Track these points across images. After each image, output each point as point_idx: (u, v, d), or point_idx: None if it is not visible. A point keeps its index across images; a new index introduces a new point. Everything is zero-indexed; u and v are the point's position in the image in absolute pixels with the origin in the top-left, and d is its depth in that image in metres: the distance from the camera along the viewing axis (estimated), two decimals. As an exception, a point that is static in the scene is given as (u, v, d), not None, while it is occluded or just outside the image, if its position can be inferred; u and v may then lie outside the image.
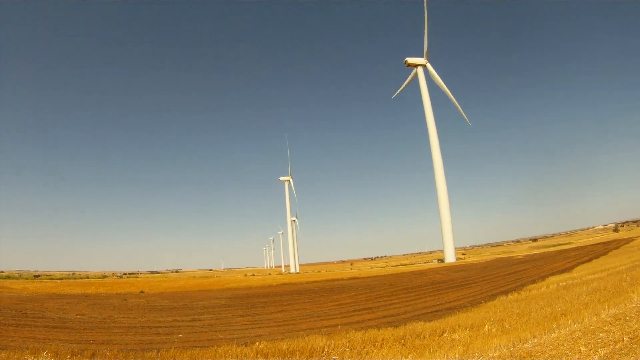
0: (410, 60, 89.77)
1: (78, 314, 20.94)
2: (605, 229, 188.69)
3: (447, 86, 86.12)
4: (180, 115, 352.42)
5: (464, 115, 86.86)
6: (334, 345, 10.80)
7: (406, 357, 9.12)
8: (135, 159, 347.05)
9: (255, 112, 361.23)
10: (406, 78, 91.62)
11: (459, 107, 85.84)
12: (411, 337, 11.55)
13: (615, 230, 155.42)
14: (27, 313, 20.83)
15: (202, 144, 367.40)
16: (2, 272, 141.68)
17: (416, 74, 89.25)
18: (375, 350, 10.24)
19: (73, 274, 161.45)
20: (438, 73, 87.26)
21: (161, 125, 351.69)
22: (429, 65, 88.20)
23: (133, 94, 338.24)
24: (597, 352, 7.82)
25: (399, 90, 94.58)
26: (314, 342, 11.12)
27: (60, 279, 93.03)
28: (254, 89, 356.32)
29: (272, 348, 10.82)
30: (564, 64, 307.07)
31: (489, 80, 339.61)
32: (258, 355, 10.21)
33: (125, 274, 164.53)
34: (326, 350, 10.34)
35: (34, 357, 8.27)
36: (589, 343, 8.57)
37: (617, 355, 7.56)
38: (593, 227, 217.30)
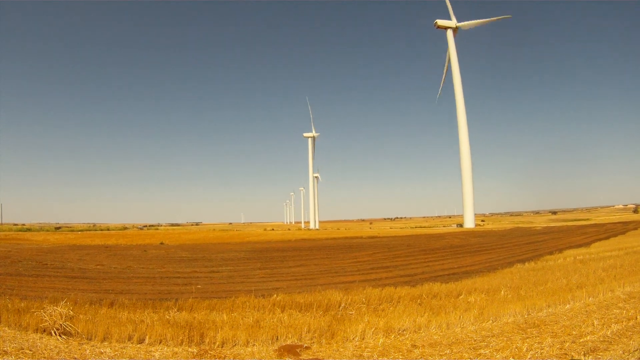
0: (441, 22, 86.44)
1: (98, 265, 21.40)
2: (625, 209, 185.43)
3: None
4: (204, 69, 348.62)
5: (440, 90, 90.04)
6: (351, 300, 10.88)
7: (422, 316, 9.14)
8: (157, 111, 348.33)
9: (280, 68, 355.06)
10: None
11: (443, 79, 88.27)
12: (427, 297, 11.57)
13: (635, 211, 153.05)
14: (47, 264, 21.41)
15: (226, 97, 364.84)
16: (24, 224, 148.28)
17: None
18: (391, 307, 10.29)
19: (94, 225, 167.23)
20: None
21: (184, 78, 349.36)
22: (460, 29, 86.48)
23: (160, 49, 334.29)
24: (610, 327, 7.86)
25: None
26: (331, 297, 11.22)
27: (81, 230, 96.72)
28: (281, 44, 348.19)
29: (289, 300, 10.94)
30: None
31: (514, 45, 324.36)
32: (275, 307, 10.32)
33: (145, 226, 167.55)
34: (343, 305, 10.42)
35: (53, 306, 8.32)
36: (602, 317, 8.67)
37: (630, 332, 7.59)
38: (613, 206, 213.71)
